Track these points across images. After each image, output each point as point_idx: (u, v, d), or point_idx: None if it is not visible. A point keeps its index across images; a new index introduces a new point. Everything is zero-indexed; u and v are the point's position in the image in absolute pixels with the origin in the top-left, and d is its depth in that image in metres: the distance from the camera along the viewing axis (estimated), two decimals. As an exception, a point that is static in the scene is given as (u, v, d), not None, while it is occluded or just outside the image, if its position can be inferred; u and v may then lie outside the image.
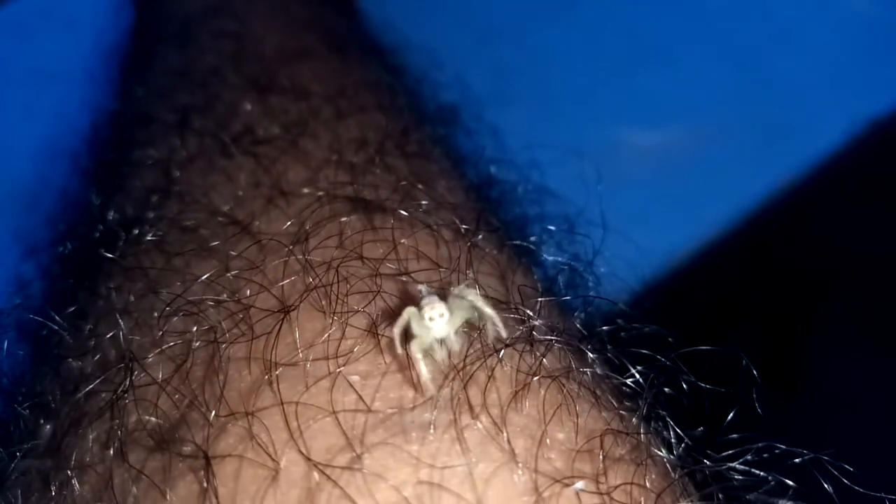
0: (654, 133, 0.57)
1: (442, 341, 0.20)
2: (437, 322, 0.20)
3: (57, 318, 0.25)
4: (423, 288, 0.22)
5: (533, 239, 0.29)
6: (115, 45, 0.48)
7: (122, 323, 0.23)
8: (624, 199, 0.48)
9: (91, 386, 0.22)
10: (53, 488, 0.21)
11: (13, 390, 0.26)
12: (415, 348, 0.20)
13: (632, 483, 0.20)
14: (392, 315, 0.21)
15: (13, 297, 0.30)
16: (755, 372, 0.23)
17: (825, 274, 0.55)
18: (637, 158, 0.57)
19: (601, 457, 0.20)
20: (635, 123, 0.57)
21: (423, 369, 0.19)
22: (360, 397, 0.19)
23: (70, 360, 0.24)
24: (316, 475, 0.18)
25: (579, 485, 0.18)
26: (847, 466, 0.24)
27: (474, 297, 0.21)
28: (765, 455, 0.23)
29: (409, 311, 0.20)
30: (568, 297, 0.25)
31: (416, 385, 0.20)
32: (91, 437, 0.21)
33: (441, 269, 0.24)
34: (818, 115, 0.56)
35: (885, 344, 0.51)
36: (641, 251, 0.34)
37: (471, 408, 0.19)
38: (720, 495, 0.21)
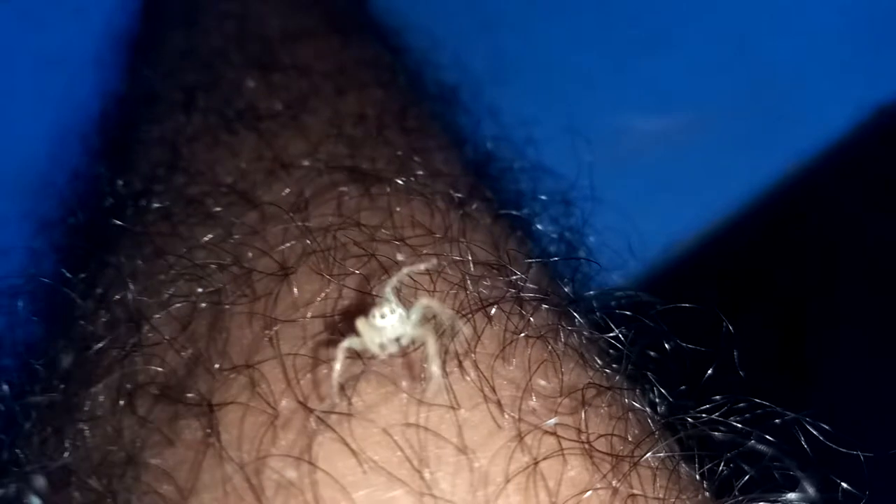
0: (657, 119, 0.57)
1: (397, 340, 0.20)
2: (388, 319, 0.20)
3: (68, 283, 0.26)
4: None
5: (526, 211, 0.30)
6: (125, 29, 0.49)
7: (130, 284, 0.24)
8: (627, 185, 0.49)
9: (101, 344, 0.23)
10: (67, 441, 0.22)
11: (27, 356, 0.28)
12: (344, 345, 0.20)
13: (612, 434, 0.21)
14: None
15: (27, 269, 0.32)
16: (731, 328, 0.24)
17: (831, 262, 0.55)
18: (640, 145, 0.57)
19: (583, 408, 0.21)
20: (639, 109, 0.57)
21: (337, 367, 0.19)
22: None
23: (81, 322, 0.25)
24: (312, 420, 0.19)
25: (552, 421, 0.19)
26: (825, 426, 0.24)
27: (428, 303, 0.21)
28: (747, 416, 0.24)
29: (359, 323, 0.20)
30: (556, 259, 0.26)
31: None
32: (101, 392, 0.22)
33: (435, 236, 0.25)
34: (824, 101, 0.56)
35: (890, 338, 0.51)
36: (636, 229, 0.34)
37: (458, 360, 0.20)
38: (699, 448, 0.22)
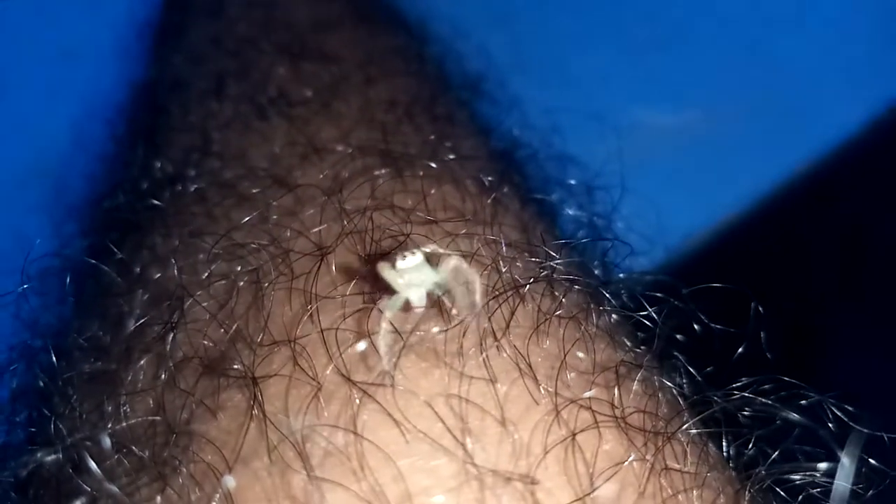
0: (670, 115, 0.57)
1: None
2: (410, 260, 0.21)
3: (104, 263, 0.27)
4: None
5: (554, 196, 0.30)
6: (147, 18, 0.49)
7: (170, 261, 0.24)
8: (640, 181, 0.49)
9: (141, 321, 0.24)
10: (106, 414, 0.22)
11: (60, 335, 0.28)
12: (387, 313, 0.20)
13: (644, 410, 0.21)
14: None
15: (59, 251, 0.32)
16: (761, 309, 0.25)
17: (843, 259, 0.55)
18: (653, 141, 0.57)
19: (616, 385, 0.21)
20: (652, 105, 0.58)
21: (383, 338, 0.20)
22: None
23: (120, 300, 0.25)
24: (354, 392, 0.19)
25: (589, 393, 0.20)
26: (849, 408, 0.25)
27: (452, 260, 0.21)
28: (772, 397, 0.24)
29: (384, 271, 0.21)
30: (586, 241, 0.27)
31: (444, 317, 0.21)
32: (142, 367, 0.23)
33: (467, 219, 0.25)
34: (837, 98, 0.56)
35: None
36: (660, 215, 0.35)
37: (495, 336, 0.21)
38: (728, 428, 0.23)
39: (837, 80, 0.57)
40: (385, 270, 0.21)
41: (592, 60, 0.58)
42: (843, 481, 0.19)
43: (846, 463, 0.19)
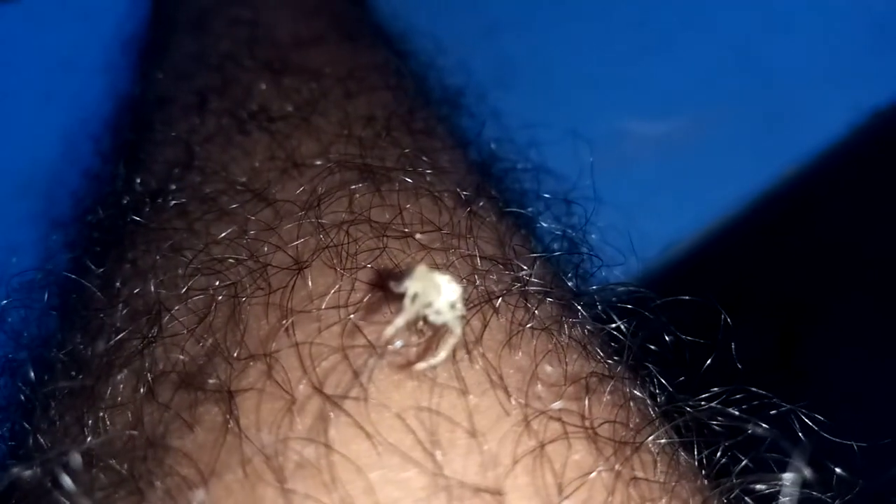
0: (656, 123, 0.58)
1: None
2: (453, 289, 0.21)
3: (86, 277, 0.27)
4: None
5: (531, 209, 0.30)
6: (134, 34, 0.50)
7: (150, 276, 0.25)
8: (627, 187, 0.49)
9: (121, 336, 0.24)
10: (87, 428, 0.23)
11: (43, 348, 0.28)
12: (409, 292, 0.21)
13: (615, 421, 0.22)
14: (397, 274, 0.23)
15: (43, 265, 0.32)
16: (729, 320, 0.25)
17: (827, 264, 0.55)
18: (639, 148, 0.57)
19: (586, 396, 0.21)
20: (639, 112, 0.58)
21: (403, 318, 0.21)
22: (368, 340, 0.21)
23: (101, 315, 0.26)
24: (328, 405, 0.20)
25: (557, 405, 0.20)
26: (820, 417, 0.25)
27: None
28: (744, 406, 0.25)
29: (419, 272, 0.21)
30: (560, 254, 0.27)
31: (417, 330, 0.22)
32: (122, 381, 0.23)
33: (443, 233, 0.26)
34: (821, 105, 0.57)
35: (888, 342, 0.51)
36: (635, 230, 0.35)
37: (468, 349, 0.21)
38: (698, 438, 0.23)
39: (822, 87, 0.57)
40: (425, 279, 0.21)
41: (577, 70, 0.59)
42: (792, 488, 0.20)
43: (799, 470, 0.20)
